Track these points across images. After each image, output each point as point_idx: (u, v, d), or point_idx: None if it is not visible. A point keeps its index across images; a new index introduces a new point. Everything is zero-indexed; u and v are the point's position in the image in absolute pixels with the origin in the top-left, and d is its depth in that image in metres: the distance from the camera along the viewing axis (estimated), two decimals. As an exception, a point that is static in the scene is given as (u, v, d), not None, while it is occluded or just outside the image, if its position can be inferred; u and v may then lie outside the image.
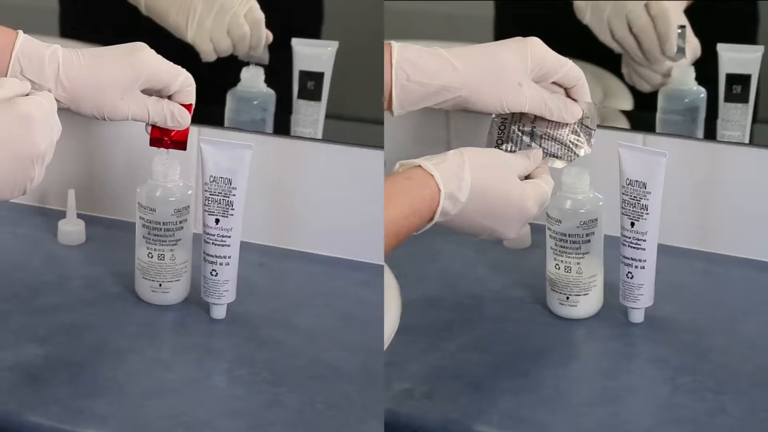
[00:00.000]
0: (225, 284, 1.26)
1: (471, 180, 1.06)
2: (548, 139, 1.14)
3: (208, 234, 1.25)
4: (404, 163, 1.07)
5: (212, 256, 1.25)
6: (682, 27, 1.36)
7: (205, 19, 1.40)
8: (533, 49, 1.11)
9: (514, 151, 1.14)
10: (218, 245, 1.25)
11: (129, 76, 1.14)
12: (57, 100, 1.09)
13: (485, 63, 1.10)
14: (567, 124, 1.14)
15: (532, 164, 1.13)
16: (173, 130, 1.19)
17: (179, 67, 1.17)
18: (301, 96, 1.42)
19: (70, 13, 1.52)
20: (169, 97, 1.18)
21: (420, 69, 1.09)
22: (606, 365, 1.20)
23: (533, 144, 1.14)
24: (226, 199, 1.23)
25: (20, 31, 1.12)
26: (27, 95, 1.03)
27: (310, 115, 1.42)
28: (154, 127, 1.18)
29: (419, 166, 1.06)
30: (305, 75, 1.41)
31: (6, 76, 1.11)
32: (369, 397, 1.14)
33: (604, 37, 1.37)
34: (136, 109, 1.15)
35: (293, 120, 1.43)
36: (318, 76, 1.41)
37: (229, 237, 1.24)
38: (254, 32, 1.40)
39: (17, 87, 1.02)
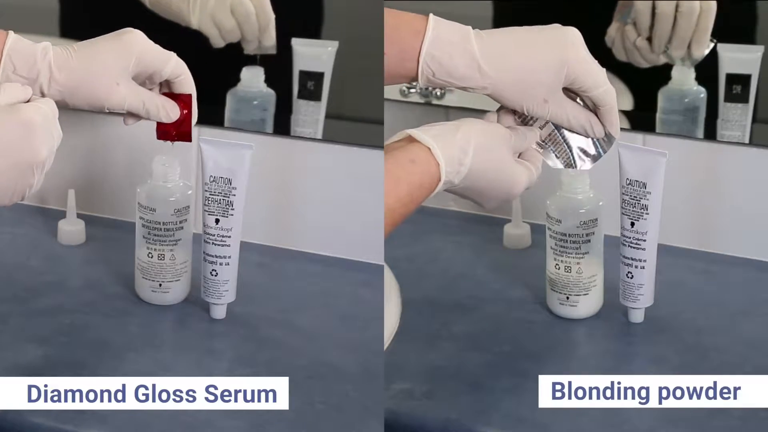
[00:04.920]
0: (225, 284, 1.26)
1: (470, 166, 1.06)
2: (558, 137, 1.14)
3: (208, 234, 1.25)
4: (410, 135, 1.05)
5: (212, 256, 1.25)
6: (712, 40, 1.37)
7: (207, 1, 1.40)
8: (570, 65, 1.08)
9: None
10: (218, 245, 1.25)
11: (120, 58, 1.13)
12: (53, 97, 1.10)
13: (515, 76, 1.08)
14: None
15: (527, 144, 1.12)
16: (176, 122, 1.18)
17: (170, 51, 1.17)
18: (301, 96, 1.42)
19: (70, 13, 1.52)
20: (168, 87, 1.18)
21: (447, 73, 1.08)
22: (606, 365, 1.20)
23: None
24: (226, 199, 1.23)
25: (11, 31, 1.12)
26: (28, 101, 1.02)
27: (310, 115, 1.42)
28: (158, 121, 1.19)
29: (428, 147, 1.04)
30: (305, 75, 1.41)
31: None
32: (369, 397, 1.14)
33: (643, 7, 1.37)
34: (132, 96, 1.14)
35: (293, 120, 1.43)
36: (318, 76, 1.41)
37: (229, 237, 1.24)
38: (260, 12, 1.40)
39: (19, 92, 1.02)
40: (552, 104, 1.10)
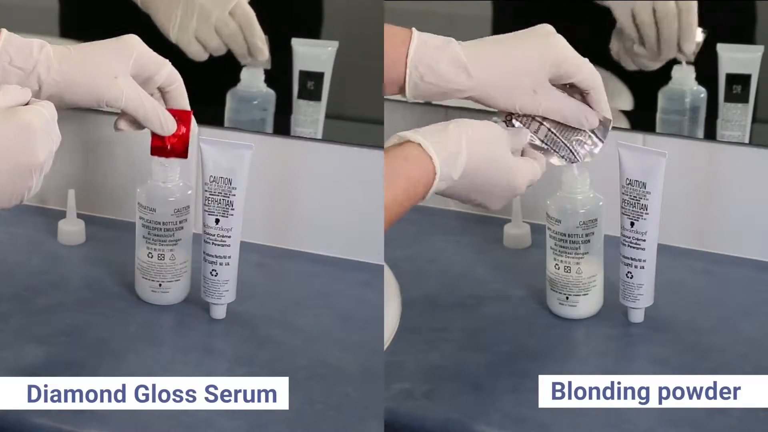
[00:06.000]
0: (225, 284, 1.26)
1: (466, 160, 1.06)
2: (554, 136, 1.14)
3: (208, 234, 1.25)
4: (402, 136, 1.05)
5: (212, 256, 1.25)
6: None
7: (187, 22, 1.40)
8: (553, 51, 1.10)
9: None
10: (218, 245, 1.25)
11: (118, 56, 1.14)
12: (49, 89, 1.10)
13: (501, 70, 1.09)
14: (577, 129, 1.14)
15: (522, 140, 1.12)
16: (174, 137, 1.19)
17: (164, 59, 1.18)
18: (301, 96, 1.42)
19: (70, 13, 1.52)
20: (162, 98, 1.18)
21: (434, 73, 1.08)
22: (606, 365, 1.20)
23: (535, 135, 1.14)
24: (226, 199, 1.23)
25: (3, 29, 1.12)
26: (27, 104, 1.02)
27: (310, 115, 1.42)
28: (153, 134, 1.18)
29: (419, 144, 1.04)
30: (305, 75, 1.41)
31: None
32: (369, 397, 1.14)
33: (625, 20, 1.37)
34: (131, 92, 1.14)
35: (293, 120, 1.43)
36: (318, 76, 1.41)
37: (229, 237, 1.24)
38: (246, 30, 1.40)
39: (18, 95, 1.02)
40: (542, 96, 1.10)
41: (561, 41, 1.11)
